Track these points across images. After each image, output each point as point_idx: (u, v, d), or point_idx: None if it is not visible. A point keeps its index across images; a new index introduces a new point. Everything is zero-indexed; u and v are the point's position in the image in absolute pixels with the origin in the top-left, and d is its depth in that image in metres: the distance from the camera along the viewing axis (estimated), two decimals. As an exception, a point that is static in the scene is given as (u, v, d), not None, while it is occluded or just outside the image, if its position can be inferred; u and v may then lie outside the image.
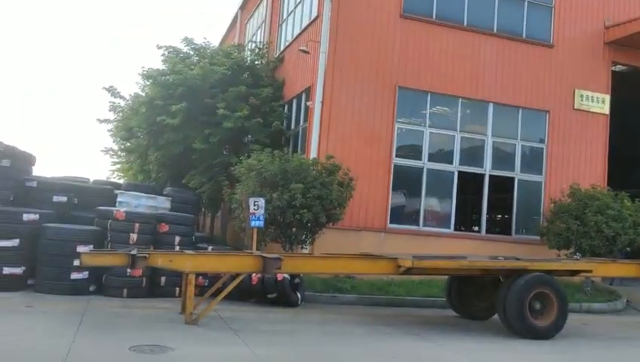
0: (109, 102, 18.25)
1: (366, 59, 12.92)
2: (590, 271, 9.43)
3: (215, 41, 26.25)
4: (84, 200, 11.73)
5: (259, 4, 20.47)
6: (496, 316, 9.01)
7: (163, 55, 16.50)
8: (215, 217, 18.36)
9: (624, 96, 15.46)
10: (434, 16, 13.58)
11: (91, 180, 16.01)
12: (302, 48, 13.34)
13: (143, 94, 17.84)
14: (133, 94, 18.16)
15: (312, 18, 14.05)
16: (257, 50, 17.49)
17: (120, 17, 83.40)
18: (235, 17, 24.08)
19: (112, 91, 18.00)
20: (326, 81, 12.62)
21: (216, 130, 14.23)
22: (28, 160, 11.57)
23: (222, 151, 14.61)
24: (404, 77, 13.18)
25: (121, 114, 18.67)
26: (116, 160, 29.74)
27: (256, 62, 16.82)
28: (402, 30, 13.27)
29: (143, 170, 19.45)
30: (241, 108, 14.09)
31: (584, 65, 14.65)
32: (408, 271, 8.37)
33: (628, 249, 12.76)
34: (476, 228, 14.17)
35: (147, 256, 7.17)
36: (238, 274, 8.13)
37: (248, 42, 21.18)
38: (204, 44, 16.94)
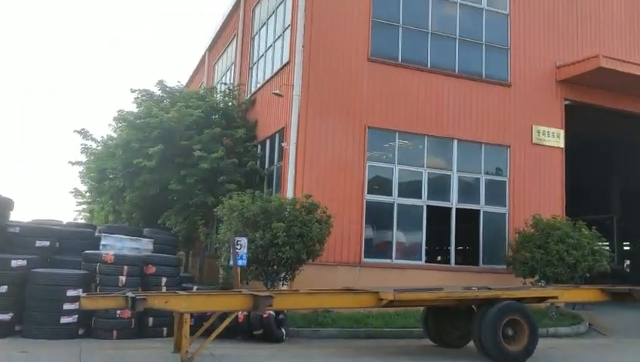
0: (81, 144, 18.44)
1: (337, 101, 13.56)
2: (556, 297, 10.09)
3: (184, 78, 26.89)
4: (65, 243, 11.86)
5: (227, 47, 21.14)
6: (470, 343, 9.55)
7: (137, 98, 16.89)
8: (188, 256, 18.61)
9: (575, 128, 16.47)
10: (399, 59, 14.36)
11: (64, 222, 16.09)
12: (275, 91, 13.93)
13: (115, 135, 18.14)
14: (106, 136, 18.40)
15: (283, 62, 14.68)
16: (228, 91, 18.02)
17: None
18: (203, 58, 24.71)
19: (84, 134, 18.22)
20: (300, 123, 13.18)
21: (191, 170, 14.62)
22: (7, 205, 11.66)
23: (197, 191, 14.95)
24: (374, 117, 13.85)
25: (92, 156, 18.83)
26: (81, 200, 29.75)
27: (229, 104, 17.33)
28: (370, 73, 13.98)
29: (114, 211, 19.57)
30: (216, 149, 14.56)
31: (539, 102, 15.65)
32: (390, 303, 8.85)
33: (587, 275, 13.55)
34: (446, 259, 14.78)
35: (146, 297, 7.47)
36: (229, 313, 8.46)
37: (218, 83, 21.75)
38: (177, 87, 17.42)
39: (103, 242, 11.24)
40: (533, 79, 15.67)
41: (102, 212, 20.58)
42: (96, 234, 12.66)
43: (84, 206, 30.53)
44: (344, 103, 13.61)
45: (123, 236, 11.43)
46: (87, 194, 26.15)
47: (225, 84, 18.84)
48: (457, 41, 15.07)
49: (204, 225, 15.63)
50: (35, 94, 69.68)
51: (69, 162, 19.08)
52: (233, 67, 19.77)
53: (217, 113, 16.43)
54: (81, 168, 20.15)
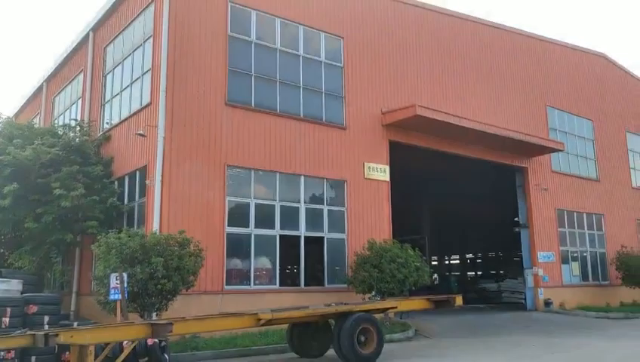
0: None
1: (199, 141, 14.74)
2: (396, 307, 12.37)
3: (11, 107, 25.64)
4: None
5: (72, 81, 21.06)
6: (329, 351, 11.36)
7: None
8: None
9: (398, 164, 19.43)
10: (253, 104, 16.01)
11: None
12: (139, 132, 14.70)
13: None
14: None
15: (143, 104, 15.49)
16: (80, 128, 18.07)
17: None
18: (40, 88, 24.02)
19: None
20: (164, 162, 14.11)
21: (48, 208, 14.71)
22: None
23: (55, 229, 14.98)
24: (232, 156, 15.25)
25: None
26: None
27: (83, 139, 17.37)
28: (227, 116, 15.40)
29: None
30: (76, 186, 14.82)
31: (369, 142, 18.30)
32: (268, 322, 10.32)
33: (413, 288, 16.26)
34: (296, 282, 16.57)
35: (58, 333, 8.05)
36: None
37: (59, 116, 21.51)
38: (26, 124, 17.18)
39: (-31, 286, 11.15)
40: (363, 123, 18.30)
41: None
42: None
43: None
44: (205, 143, 14.84)
45: (-8, 278, 11.43)
46: None
47: (75, 120, 18.82)
48: (301, 89, 17.15)
49: (59, 263, 15.67)
50: None
51: None
52: (80, 102, 19.82)
53: (71, 150, 16.50)
54: None
